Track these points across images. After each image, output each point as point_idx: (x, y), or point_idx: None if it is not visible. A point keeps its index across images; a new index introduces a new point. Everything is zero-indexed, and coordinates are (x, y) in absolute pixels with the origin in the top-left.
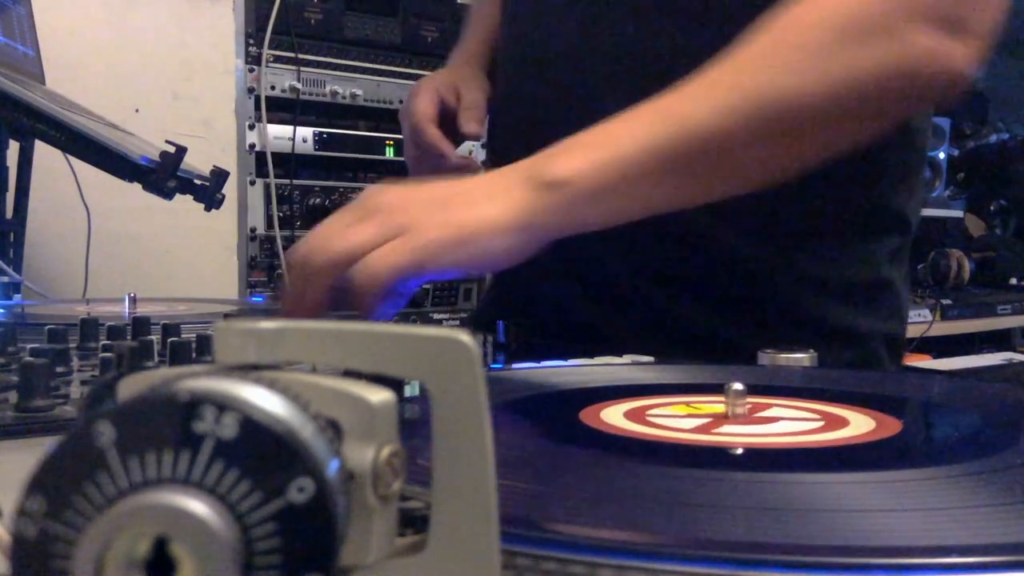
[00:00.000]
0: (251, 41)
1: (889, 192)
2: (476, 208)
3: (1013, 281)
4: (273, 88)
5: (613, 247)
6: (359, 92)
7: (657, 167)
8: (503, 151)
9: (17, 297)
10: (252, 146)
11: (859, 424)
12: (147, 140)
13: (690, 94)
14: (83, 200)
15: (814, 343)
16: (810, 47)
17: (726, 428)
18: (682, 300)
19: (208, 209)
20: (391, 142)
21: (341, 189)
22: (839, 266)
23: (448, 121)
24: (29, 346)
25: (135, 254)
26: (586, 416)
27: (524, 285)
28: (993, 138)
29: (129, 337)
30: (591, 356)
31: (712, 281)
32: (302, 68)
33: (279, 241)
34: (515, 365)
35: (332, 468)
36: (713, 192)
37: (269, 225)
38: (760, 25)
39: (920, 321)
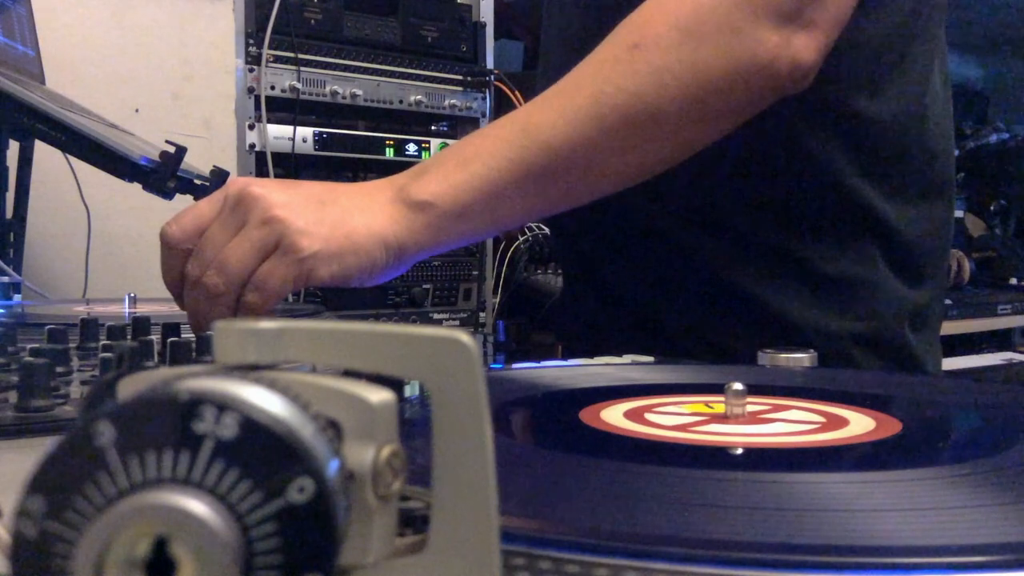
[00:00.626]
0: (251, 41)
1: (860, 192)
2: (356, 218)
3: (1013, 281)
4: (273, 88)
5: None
6: (359, 92)
7: (514, 183)
8: None
9: (17, 297)
10: (252, 146)
11: (859, 424)
12: (147, 140)
13: (544, 105)
14: (83, 200)
15: (776, 340)
16: (657, 50)
17: (726, 428)
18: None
19: None
20: (391, 142)
21: None
22: (804, 262)
23: None
24: (29, 346)
25: (135, 254)
26: (586, 416)
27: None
28: (993, 138)
29: (129, 337)
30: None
31: (671, 274)
32: (302, 68)
33: None
34: (515, 365)
35: (332, 468)
36: (575, 199)
37: None
38: (610, 32)
39: None
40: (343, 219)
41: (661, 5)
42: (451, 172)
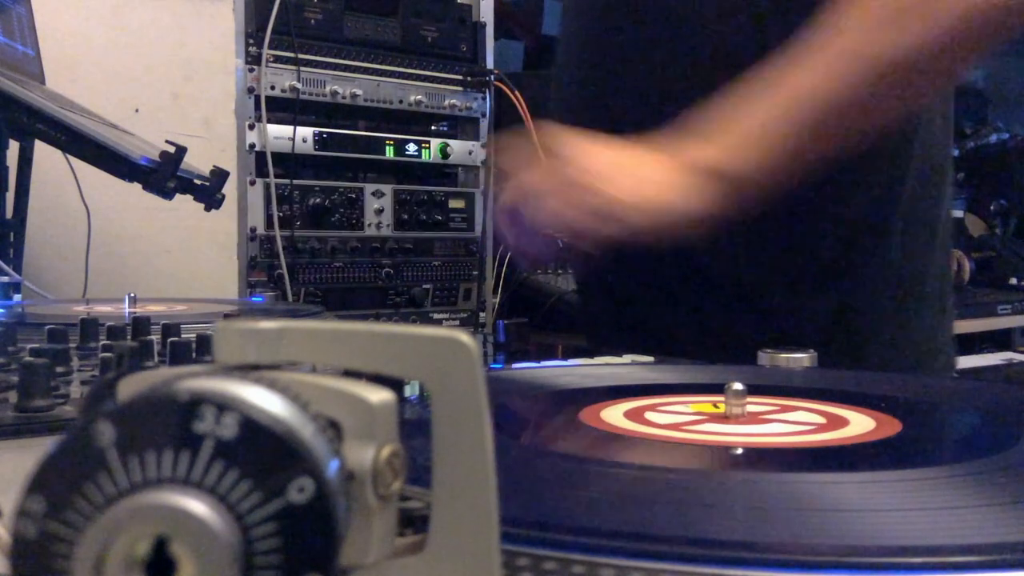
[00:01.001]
0: (251, 41)
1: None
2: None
3: (1013, 281)
4: (273, 88)
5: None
6: (359, 92)
7: (794, 143)
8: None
9: (17, 297)
10: (252, 146)
11: (859, 424)
12: (147, 140)
13: (805, 65)
14: (83, 200)
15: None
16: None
17: (726, 428)
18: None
19: (208, 209)
20: (391, 142)
21: (341, 189)
22: (781, 252)
23: None
24: (29, 346)
25: (135, 254)
26: (586, 416)
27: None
28: (993, 138)
29: (129, 337)
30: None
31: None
32: (302, 68)
33: (279, 241)
34: (515, 365)
35: (332, 468)
36: (836, 150)
37: (269, 225)
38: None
39: None
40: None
41: None
42: (734, 137)
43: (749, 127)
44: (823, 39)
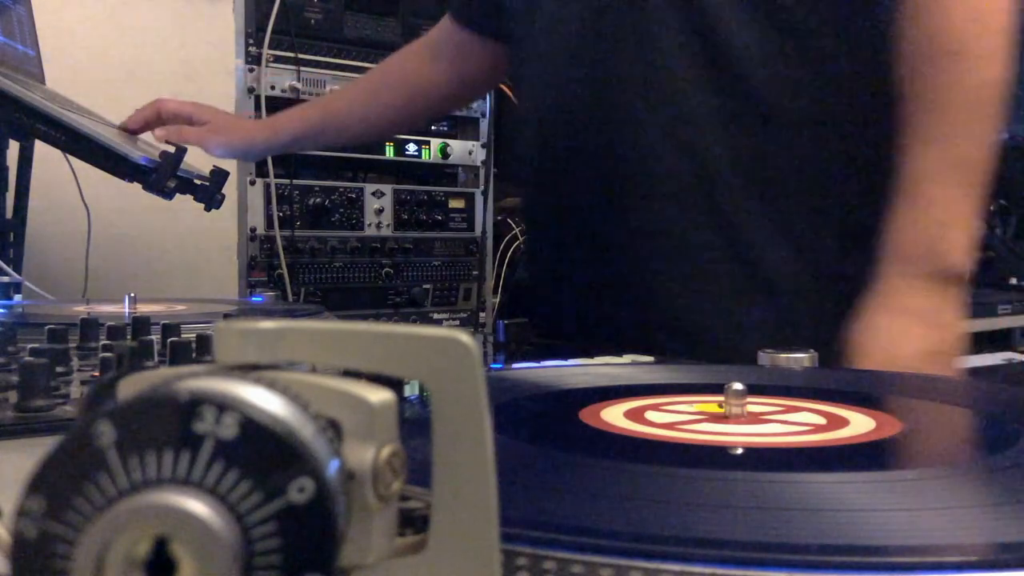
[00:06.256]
0: (251, 41)
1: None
2: (954, 343)
3: (1013, 281)
4: (273, 88)
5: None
6: None
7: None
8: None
9: (17, 297)
10: None
11: (859, 424)
12: (147, 140)
13: (941, 144)
14: (83, 200)
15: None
16: (972, 46)
17: (726, 428)
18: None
19: (208, 209)
20: (391, 142)
21: (341, 189)
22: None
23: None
24: (29, 346)
25: (135, 254)
26: (586, 416)
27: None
28: None
29: (129, 337)
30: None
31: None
32: (302, 68)
33: (279, 241)
34: (515, 365)
35: (332, 468)
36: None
37: (269, 225)
38: (610, 31)
39: None
40: (950, 349)
41: (940, 12)
42: (953, 238)
43: (963, 223)
44: (928, 116)
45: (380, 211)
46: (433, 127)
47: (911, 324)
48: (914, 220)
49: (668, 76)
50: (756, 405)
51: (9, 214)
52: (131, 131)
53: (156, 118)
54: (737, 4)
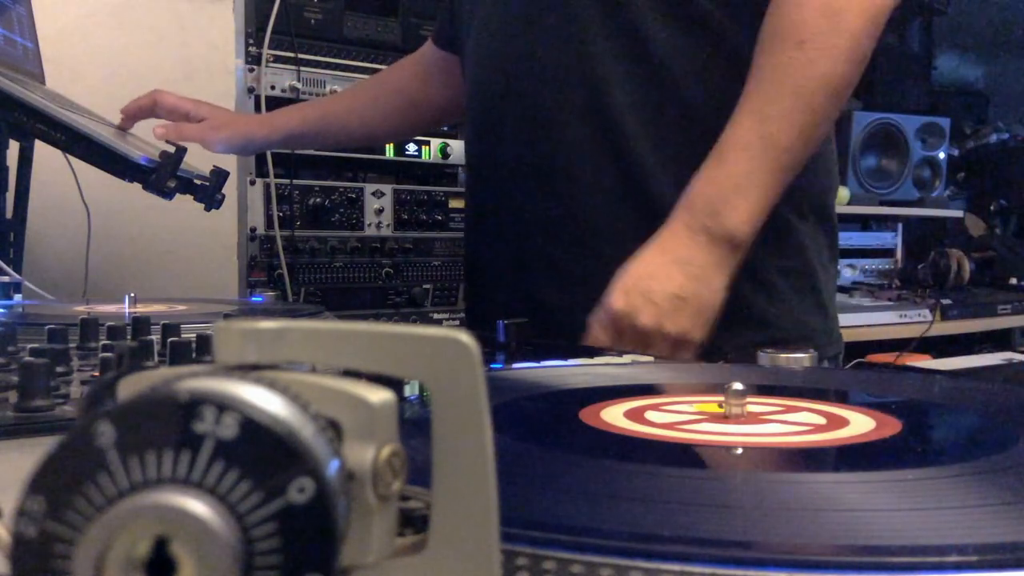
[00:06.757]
0: (251, 41)
1: None
2: (705, 294)
3: (1013, 281)
4: (273, 88)
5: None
6: None
7: (777, 188)
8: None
9: (17, 297)
10: None
11: (859, 424)
12: (147, 140)
13: (759, 115)
14: (83, 200)
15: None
16: (820, 37)
17: (726, 428)
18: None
19: (208, 209)
20: (391, 142)
21: (341, 189)
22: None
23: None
24: (29, 346)
25: (135, 254)
26: (586, 416)
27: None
28: (993, 138)
29: (129, 337)
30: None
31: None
32: (302, 68)
33: (279, 241)
34: (515, 365)
35: (332, 468)
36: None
37: (269, 225)
38: (546, 12)
39: (920, 321)
40: (702, 305)
41: (797, 3)
42: (744, 202)
43: (754, 194)
44: (761, 92)
45: (380, 211)
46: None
47: (672, 267)
48: (710, 178)
49: (596, 71)
50: (756, 405)
51: (9, 214)
52: (125, 117)
53: (151, 108)
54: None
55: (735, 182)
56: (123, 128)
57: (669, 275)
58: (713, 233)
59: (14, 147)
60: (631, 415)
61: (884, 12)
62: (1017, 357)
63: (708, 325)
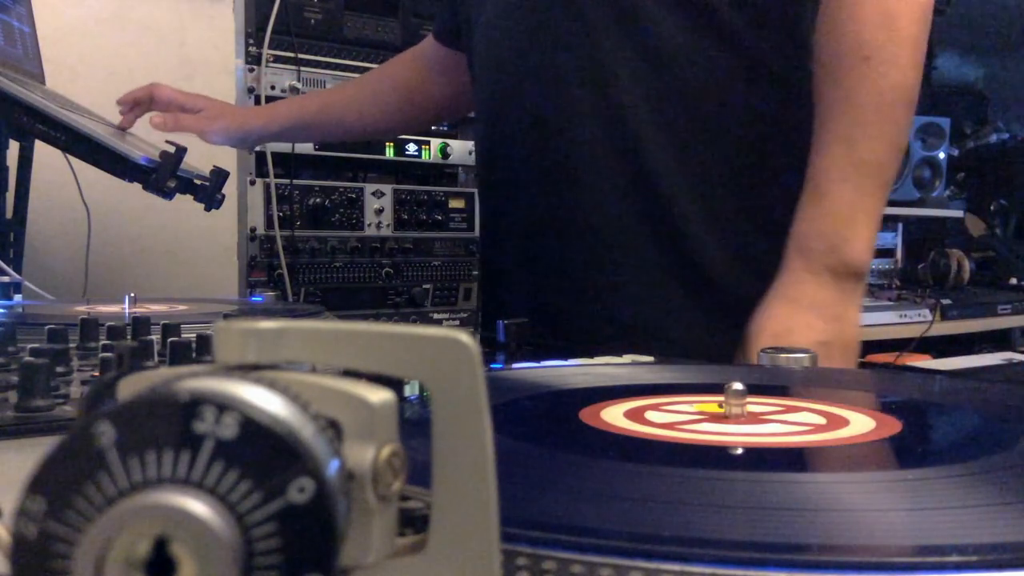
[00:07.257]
0: (251, 41)
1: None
2: (848, 330)
3: (1013, 281)
4: (273, 88)
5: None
6: None
7: (879, 212)
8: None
9: (17, 297)
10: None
11: (859, 424)
12: (147, 140)
13: (844, 142)
14: (83, 200)
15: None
16: (882, 51)
17: (726, 428)
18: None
19: (208, 209)
20: (391, 142)
21: (341, 189)
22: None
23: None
24: (29, 346)
25: (135, 254)
26: (586, 416)
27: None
28: (993, 138)
29: (129, 337)
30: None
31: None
32: (302, 68)
33: (279, 241)
34: (515, 365)
35: (332, 468)
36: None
37: (269, 225)
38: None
39: (920, 321)
40: (846, 344)
41: (852, 19)
42: (855, 235)
43: (864, 221)
44: (836, 114)
45: (380, 211)
46: (433, 127)
47: (807, 315)
48: (816, 215)
49: (608, 75)
50: (756, 405)
51: (9, 214)
52: (122, 107)
53: (147, 100)
54: (668, 5)
55: (843, 215)
56: (123, 128)
57: (808, 324)
58: (836, 271)
59: (14, 147)
60: (631, 415)
61: (929, 11)
62: (1017, 357)
63: (856, 358)
